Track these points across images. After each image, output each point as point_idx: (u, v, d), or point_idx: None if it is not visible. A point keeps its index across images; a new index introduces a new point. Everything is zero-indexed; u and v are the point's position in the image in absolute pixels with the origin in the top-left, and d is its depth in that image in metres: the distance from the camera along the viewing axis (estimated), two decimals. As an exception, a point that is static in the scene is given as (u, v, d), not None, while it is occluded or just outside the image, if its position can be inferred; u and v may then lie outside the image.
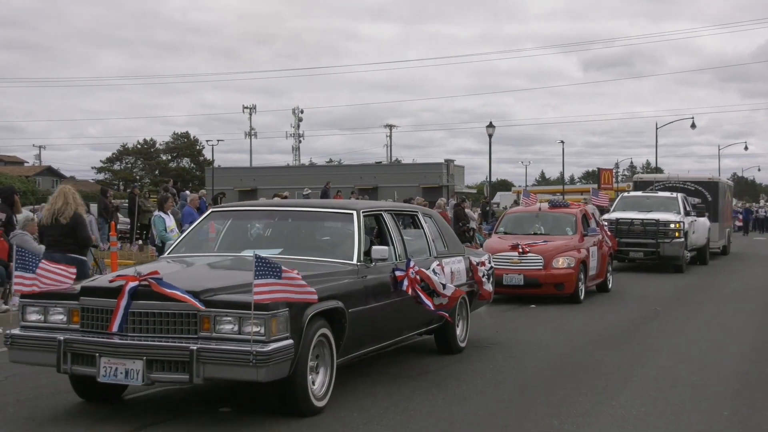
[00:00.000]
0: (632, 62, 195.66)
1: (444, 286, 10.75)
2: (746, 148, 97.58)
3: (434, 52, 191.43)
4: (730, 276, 26.58)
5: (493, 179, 66.98)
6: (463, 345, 12.07)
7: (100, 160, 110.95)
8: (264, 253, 9.28)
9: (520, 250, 18.31)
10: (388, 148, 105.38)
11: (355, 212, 9.95)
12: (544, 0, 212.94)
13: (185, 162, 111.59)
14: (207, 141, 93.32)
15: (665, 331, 14.81)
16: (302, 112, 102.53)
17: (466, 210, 31.72)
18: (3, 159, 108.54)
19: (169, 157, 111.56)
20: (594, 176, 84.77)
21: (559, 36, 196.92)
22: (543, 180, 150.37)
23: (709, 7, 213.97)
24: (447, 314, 10.85)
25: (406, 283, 9.92)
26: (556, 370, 11.20)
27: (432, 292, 10.58)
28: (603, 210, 29.51)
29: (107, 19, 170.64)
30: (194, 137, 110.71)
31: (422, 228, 11.54)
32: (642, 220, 26.87)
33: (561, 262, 18.21)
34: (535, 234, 19.92)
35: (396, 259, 10.22)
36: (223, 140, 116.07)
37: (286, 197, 33.36)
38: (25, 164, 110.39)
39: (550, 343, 13.17)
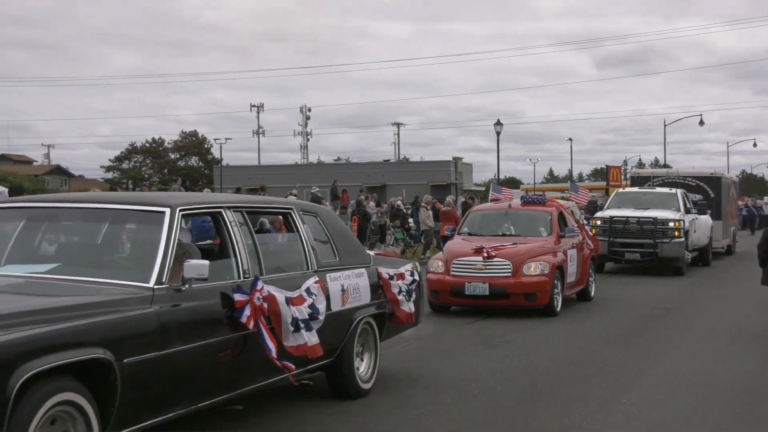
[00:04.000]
0: (645, 59, 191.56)
1: (300, 325, 7.64)
2: (755, 145, 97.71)
3: (447, 50, 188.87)
4: (736, 277, 24.40)
5: (502, 177, 64.82)
6: (367, 386, 9.17)
7: (109, 159, 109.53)
8: (25, 270, 6.67)
9: (485, 254, 15.44)
10: (396, 146, 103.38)
11: (167, 210, 6.94)
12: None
13: (193, 160, 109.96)
14: (215, 139, 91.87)
15: (674, 328, 14.57)
16: (310, 110, 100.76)
17: (475, 208, 29.75)
18: (12, 158, 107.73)
19: (178, 156, 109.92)
20: (603, 174, 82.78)
21: (572, 34, 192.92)
22: (551, 178, 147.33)
23: (723, 4, 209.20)
24: (291, 364, 7.60)
25: (247, 312, 7.02)
26: (566, 367, 11.03)
27: (311, 319, 7.83)
28: (596, 207, 26.93)
29: (122, 19, 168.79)
30: (202, 135, 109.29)
31: (298, 231, 8.62)
32: (638, 218, 24.30)
33: (533, 268, 15.35)
34: (503, 235, 16.91)
35: (240, 277, 7.35)
36: (231, 139, 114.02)
37: (295, 195, 31.31)
38: (34, 163, 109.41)
39: (560, 341, 13.01)
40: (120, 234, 7.35)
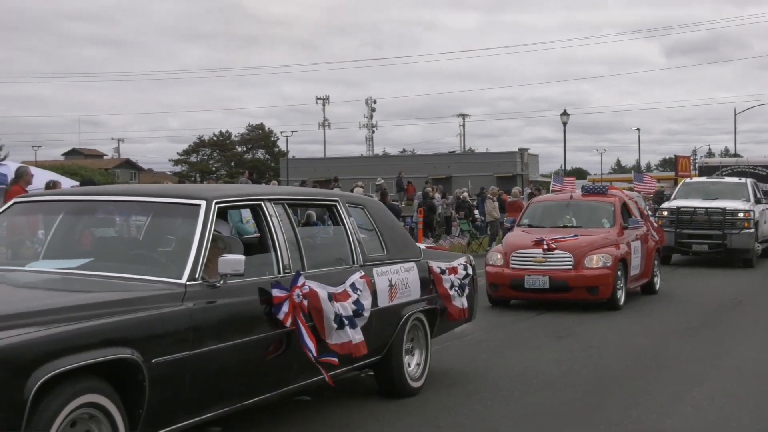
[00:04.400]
0: (716, 47, 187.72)
1: (344, 322, 7.36)
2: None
3: (513, 40, 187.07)
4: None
5: (568, 168, 63.92)
6: (417, 384, 8.83)
7: (177, 153, 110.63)
8: (57, 265, 6.49)
9: (545, 246, 15.05)
10: (462, 138, 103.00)
11: (203, 203, 6.67)
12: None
13: (260, 153, 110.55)
14: (281, 132, 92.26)
15: (745, 320, 14.26)
16: (375, 102, 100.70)
17: (542, 199, 29.55)
18: (83, 152, 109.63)
19: (244, 149, 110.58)
20: (671, 164, 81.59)
21: (641, 22, 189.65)
22: (619, 168, 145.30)
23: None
24: (334, 359, 7.29)
25: (285, 309, 6.72)
26: (633, 360, 10.87)
27: (356, 315, 7.57)
28: (662, 198, 26.29)
29: (189, 13, 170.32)
30: (269, 128, 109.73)
31: (343, 224, 8.29)
32: (706, 208, 23.61)
33: (595, 261, 14.93)
34: (565, 227, 16.49)
35: (280, 272, 7.06)
36: (297, 131, 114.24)
37: (361, 187, 31.29)
38: (105, 157, 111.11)
39: (625, 334, 12.77)
40: (156, 227, 7.11)
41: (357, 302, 7.59)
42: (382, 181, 38.22)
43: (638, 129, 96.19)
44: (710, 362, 10.66)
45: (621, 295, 15.34)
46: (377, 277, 8.21)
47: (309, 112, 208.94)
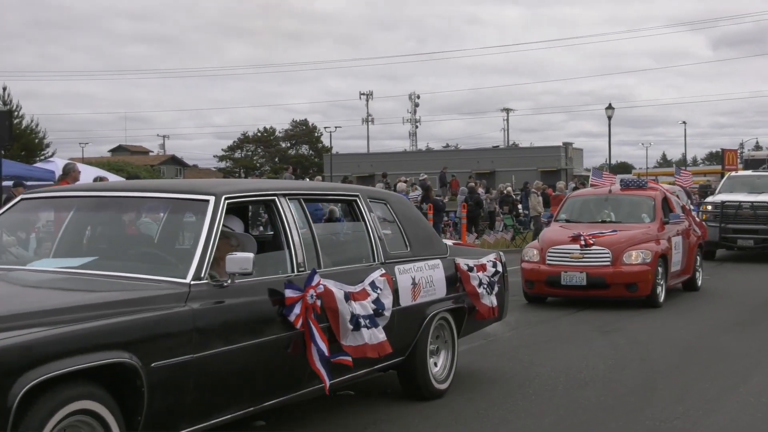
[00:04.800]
0: (764, 39, 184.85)
1: (360, 323, 7.02)
2: None
3: (557, 34, 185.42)
4: None
5: (613, 162, 62.85)
6: (442, 387, 8.49)
7: (222, 149, 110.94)
8: (60, 264, 6.25)
9: (583, 242, 14.64)
10: (506, 132, 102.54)
11: (211, 199, 6.33)
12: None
13: (304, 149, 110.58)
14: (325, 128, 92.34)
15: None
16: (419, 97, 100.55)
17: (587, 194, 29.32)
18: (129, 149, 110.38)
19: (288, 145, 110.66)
20: (718, 157, 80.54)
21: (686, 15, 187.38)
22: (664, 162, 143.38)
23: None
24: (349, 359, 6.94)
25: (296, 310, 6.39)
26: (680, 355, 10.75)
27: (376, 315, 7.25)
28: (707, 191, 25.72)
29: (235, 10, 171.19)
30: (312, 124, 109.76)
31: (364, 220, 7.92)
32: (752, 203, 23.01)
33: (634, 257, 14.52)
34: (603, 222, 16.05)
35: (294, 271, 6.72)
36: (341, 127, 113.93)
37: (405, 182, 31.06)
38: (150, 154, 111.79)
39: (670, 330, 12.58)
40: (165, 224, 6.82)
41: (377, 301, 7.29)
42: (426, 176, 37.91)
43: (684, 122, 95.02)
44: (756, 358, 10.43)
45: (661, 292, 14.92)
46: (399, 275, 7.89)
47: (353, 108, 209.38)
